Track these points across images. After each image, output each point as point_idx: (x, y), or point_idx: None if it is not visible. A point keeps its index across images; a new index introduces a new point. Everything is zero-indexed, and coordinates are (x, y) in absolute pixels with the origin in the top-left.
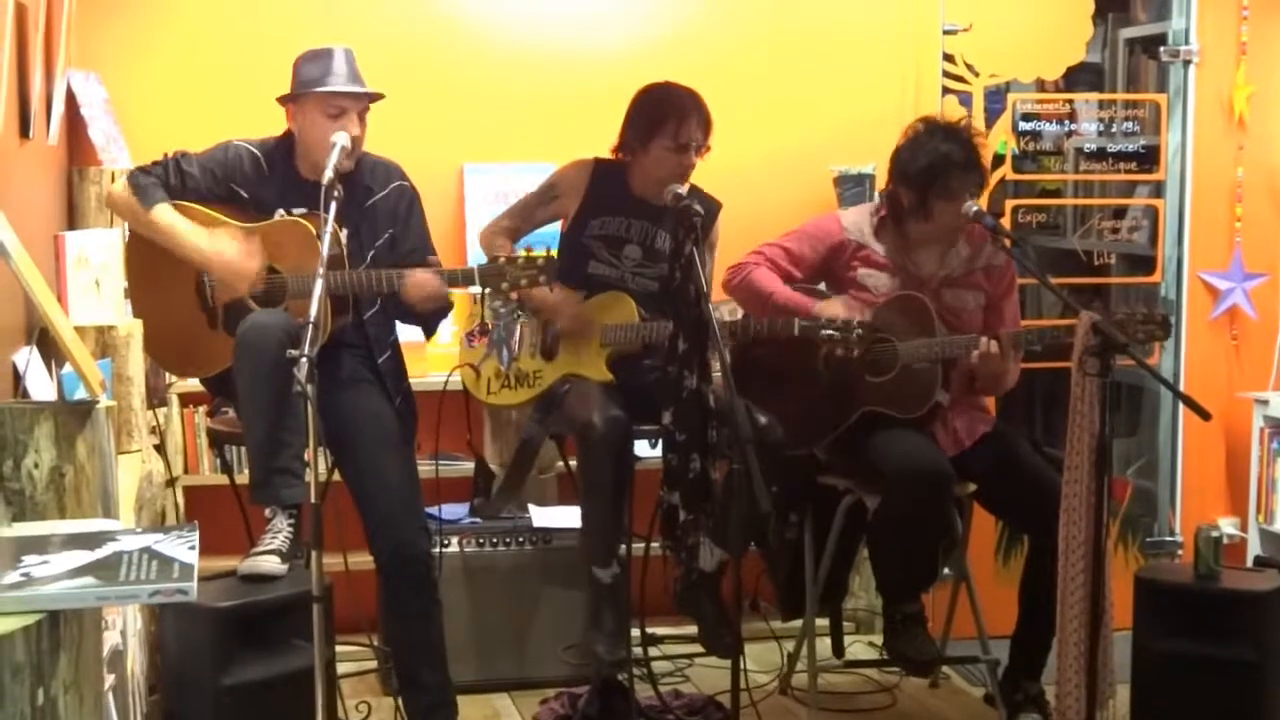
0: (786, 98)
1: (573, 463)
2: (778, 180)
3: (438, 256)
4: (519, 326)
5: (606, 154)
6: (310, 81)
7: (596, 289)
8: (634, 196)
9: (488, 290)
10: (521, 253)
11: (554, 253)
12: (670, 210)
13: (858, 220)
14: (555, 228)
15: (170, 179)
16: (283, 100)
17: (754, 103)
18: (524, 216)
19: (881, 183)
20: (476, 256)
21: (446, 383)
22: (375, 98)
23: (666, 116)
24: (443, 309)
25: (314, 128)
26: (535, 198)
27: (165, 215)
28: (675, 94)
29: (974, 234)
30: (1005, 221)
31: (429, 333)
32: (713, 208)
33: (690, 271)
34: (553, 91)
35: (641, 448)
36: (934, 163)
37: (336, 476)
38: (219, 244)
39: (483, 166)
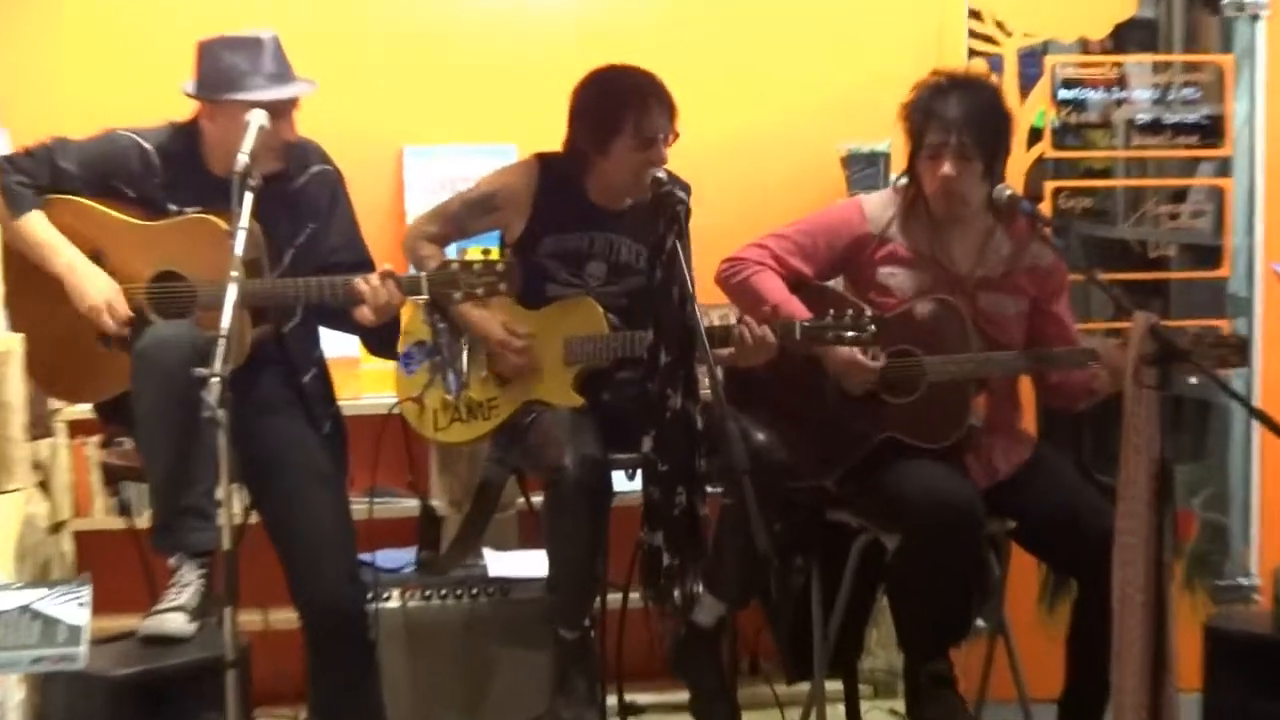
0: (784, 64)
1: (536, 498)
2: (775, 161)
3: (369, 256)
4: (465, 345)
5: (558, 144)
6: (231, 82)
7: None
8: (592, 205)
9: (432, 302)
10: (476, 254)
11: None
12: (650, 199)
13: (881, 208)
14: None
15: (43, 176)
16: (194, 95)
17: (744, 71)
18: (455, 224)
19: (899, 162)
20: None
21: (387, 419)
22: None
23: (623, 111)
24: (397, 323)
25: (232, 132)
26: (470, 207)
27: (35, 229)
28: (626, 81)
29: (1017, 228)
30: (1044, 208)
31: (385, 352)
32: (688, 192)
33: (673, 269)
34: (504, 62)
35: (618, 479)
36: (913, 111)
37: (254, 518)
38: (86, 278)
39: (425, 149)
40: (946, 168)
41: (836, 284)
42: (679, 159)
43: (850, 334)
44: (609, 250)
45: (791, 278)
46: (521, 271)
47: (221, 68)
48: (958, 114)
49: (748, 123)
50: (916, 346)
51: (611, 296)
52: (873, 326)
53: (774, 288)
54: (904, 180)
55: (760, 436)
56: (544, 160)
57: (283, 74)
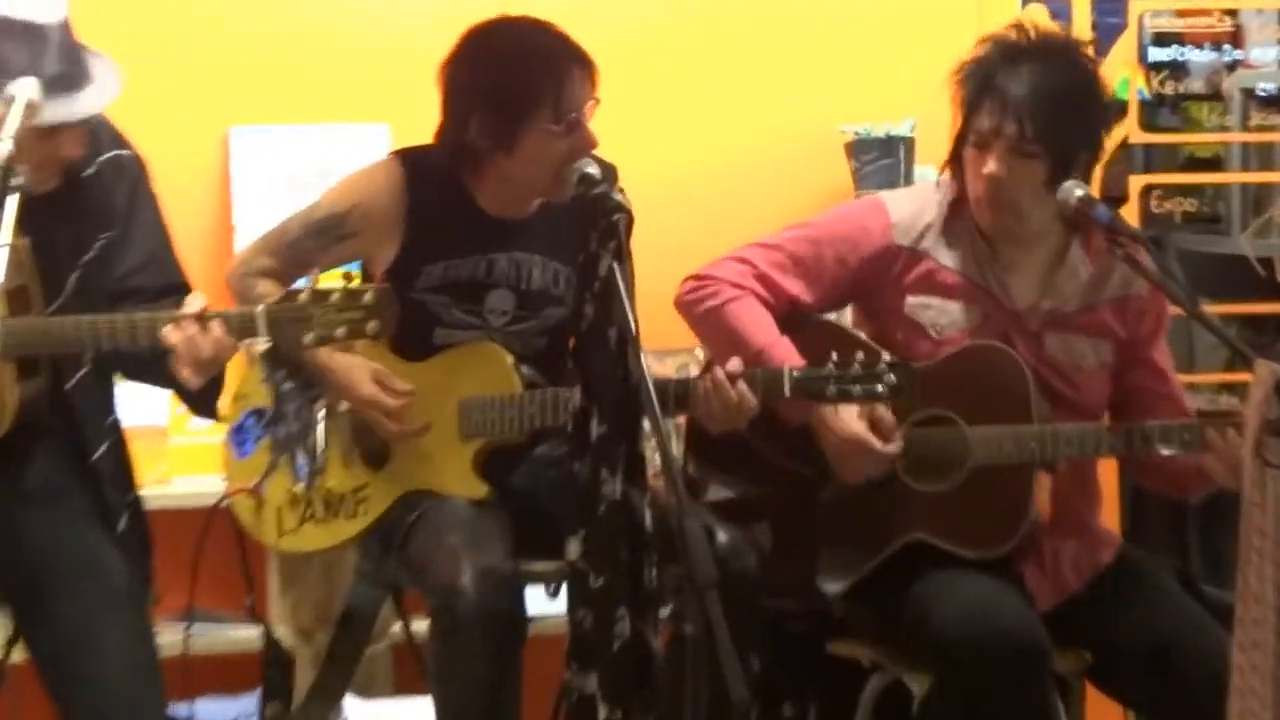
0: (771, 21)
1: (418, 626)
2: (758, 148)
3: (184, 278)
4: (321, 413)
5: (427, 126)
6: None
7: None
8: (486, 216)
9: (274, 351)
10: (336, 282)
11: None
12: (574, 203)
13: (915, 211)
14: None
15: None
16: None
17: (710, 29)
18: (296, 257)
19: (926, 150)
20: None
21: (211, 515)
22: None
23: (533, 87)
24: (221, 375)
25: None
26: (314, 231)
27: None
28: (530, 42)
29: (1098, 244)
30: (1130, 211)
31: (206, 410)
32: (610, 176)
33: (610, 304)
34: (360, 25)
35: (534, 599)
36: (967, 80)
37: (18, 653)
38: None
39: (259, 131)
40: (992, 164)
41: (843, 317)
42: (619, 143)
43: (860, 388)
44: (515, 275)
45: (783, 306)
46: (398, 309)
47: None
48: (1023, 92)
49: (718, 97)
50: (957, 411)
51: (524, 338)
52: (894, 378)
53: (758, 321)
54: (947, 175)
55: (723, 537)
56: (410, 160)
57: (70, 75)
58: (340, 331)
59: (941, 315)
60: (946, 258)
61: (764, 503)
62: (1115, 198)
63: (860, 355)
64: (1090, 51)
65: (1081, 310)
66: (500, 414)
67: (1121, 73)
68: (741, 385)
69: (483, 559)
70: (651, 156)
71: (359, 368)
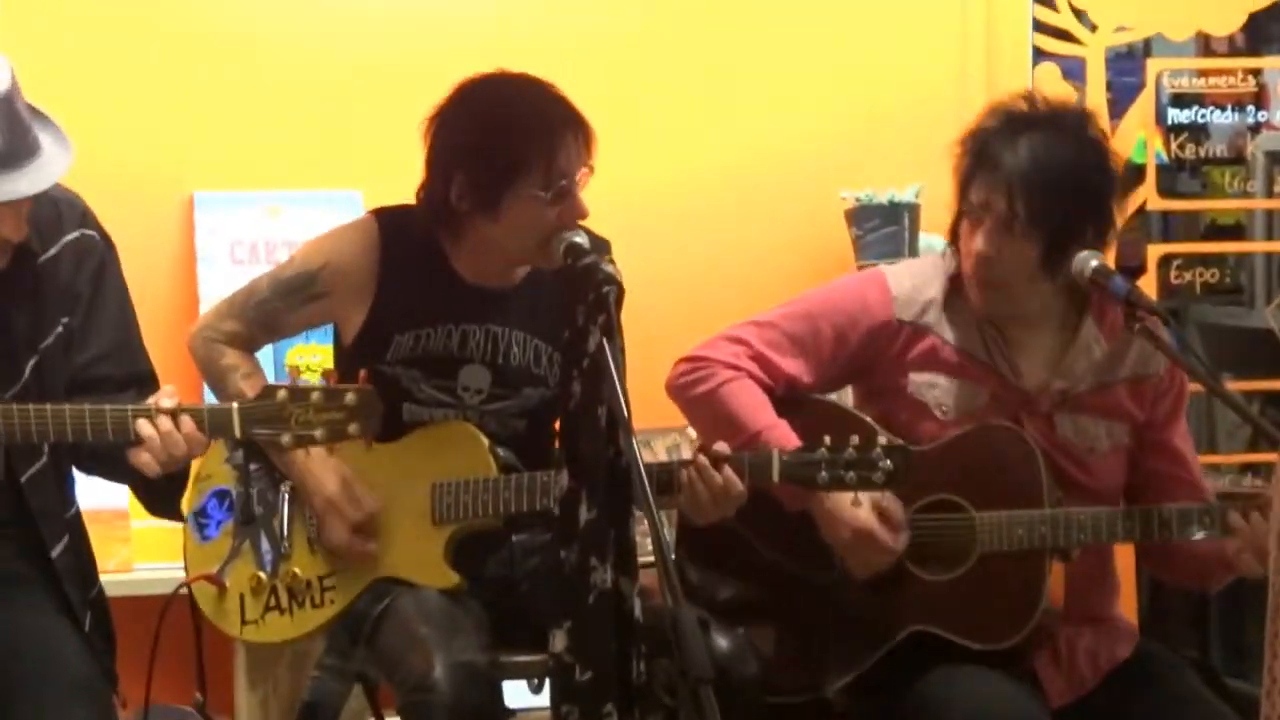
0: (764, 75)
1: None
2: (754, 215)
3: (150, 367)
4: (286, 495)
5: (403, 194)
6: None
7: None
8: (463, 284)
9: (241, 442)
10: (311, 379)
11: (364, 379)
12: (564, 275)
13: (917, 285)
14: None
15: None
16: None
17: (704, 87)
18: (263, 319)
19: (932, 217)
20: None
21: (168, 604)
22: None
23: (529, 149)
24: (186, 472)
25: None
26: (283, 291)
27: None
28: (522, 102)
29: (1113, 318)
30: (1148, 282)
31: (166, 509)
32: (602, 249)
33: (599, 383)
34: (345, 77)
35: (514, 693)
36: (965, 149)
37: None
38: None
39: (226, 198)
40: (980, 242)
41: (844, 397)
42: (609, 213)
43: (855, 475)
44: (491, 350)
45: (781, 387)
46: (381, 410)
47: None
48: (1018, 167)
49: (711, 161)
50: (964, 496)
51: (500, 418)
52: (890, 464)
53: (754, 403)
54: (950, 247)
55: (723, 643)
56: (387, 219)
57: (12, 151)
58: (319, 433)
59: (947, 395)
60: (950, 334)
61: (762, 600)
62: (1132, 268)
63: (855, 439)
64: (1103, 124)
65: (1095, 390)
66: (475, 498)
67: (1138, 134)
68: (728, 470)
69: (456, 652)
70: (639, 226)
71: (327, 469)
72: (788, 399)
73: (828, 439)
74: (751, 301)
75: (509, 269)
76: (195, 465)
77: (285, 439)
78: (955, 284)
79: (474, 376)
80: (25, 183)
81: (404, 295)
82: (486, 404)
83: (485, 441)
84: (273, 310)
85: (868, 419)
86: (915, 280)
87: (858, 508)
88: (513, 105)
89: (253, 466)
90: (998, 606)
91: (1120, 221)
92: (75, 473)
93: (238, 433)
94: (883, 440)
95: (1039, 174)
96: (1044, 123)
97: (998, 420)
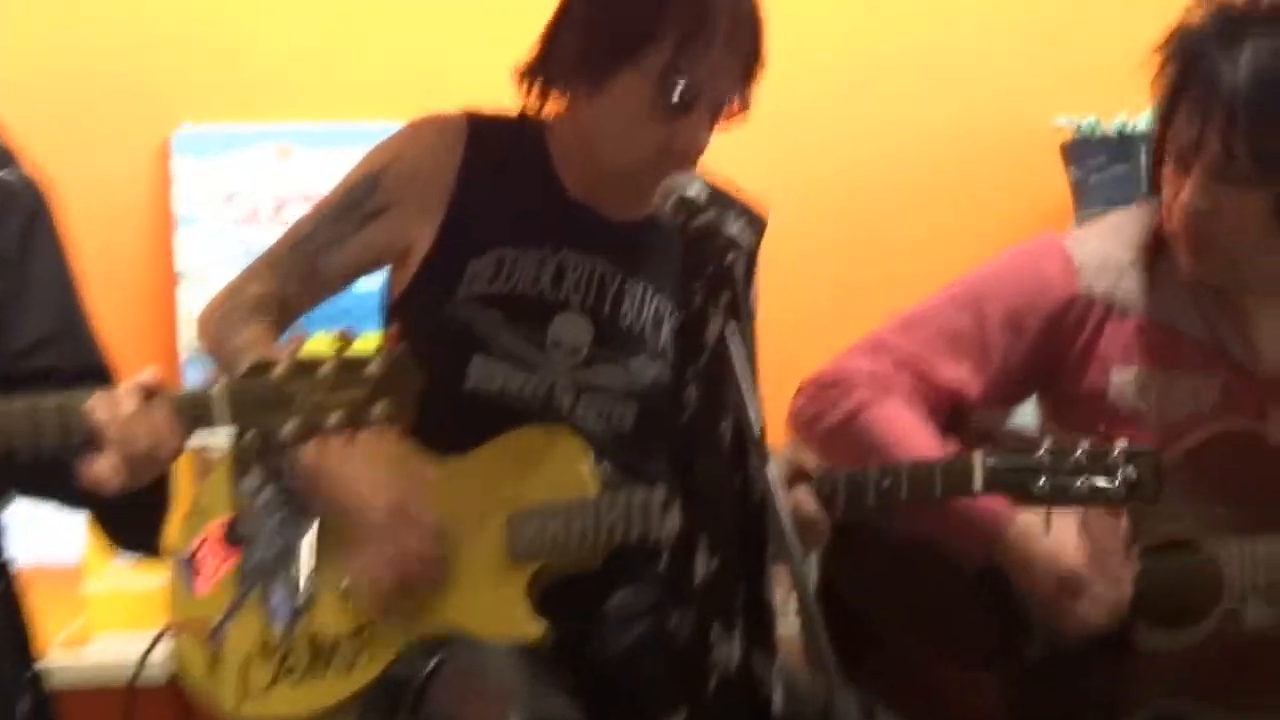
0: None
1: None
2: (934, 154)
3: (104, 360)
4: (312, 531)
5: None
6: None
7: (489, 421)
8: (569, 200)
9: (244, 445)
10: (324, 341)
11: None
12: (673, 231)
13: (1107, 249)
14: (371, 287)
15: None
16: None
17: None
18: (302, 268)
19: None
20: (193, 377)
21: (137, 675)
22: None
23: (665, 19)
24: (164, 493)
25: None
26: (331, 216)
27: None
28: None
29: None
30: None
31: (140, 541)
32: (758, 228)
33: (722, 388)
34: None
35: None
36: (1171, 61)
37: None
38: None
39: (214, 133)
40: (1188, 193)
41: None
42: (755, 158)
43: (1085, 484)
44: (597, 295)
45: (943, 402)
46: (423, 337)
47: None
48: (1239, 87)
49: (882, 89)
50: (1202, 529)
51: (608, 395)
52: (1134, 472)
53: (910, 429)
54: (1152, 197)
55: None
56: (481, 119)
57: None
58: (334, 418)
59: (1163, 395)
60: (1160, 311)
61: (945, 676)
62: None
63: (1085, 440)
64: None
65: None
66: (566, 527)
67: None
68: (800, 494)
69: (541, 708)
70: (786, 178)
71: (376, 472)
72: (951, 421)
73: (1049, 438)
74: (928, 278)
75: (628, 192)
76: (190, 495)
77: (288, 427)
78: (1161, 243)
79: (570, 328)
80: None
81: (486, 202)
82: (582, 369)
83: (589, 455)
84: (318, 247)
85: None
86: (1105, 243)
87: (1063, 548)
88: None
89: (262, 495)
90: (1265, 674)
91: None
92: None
93: (223, 419)
94: (1122, 443)
95: (1270, 98)
96: (1273, 23)
97: (1235, 422)
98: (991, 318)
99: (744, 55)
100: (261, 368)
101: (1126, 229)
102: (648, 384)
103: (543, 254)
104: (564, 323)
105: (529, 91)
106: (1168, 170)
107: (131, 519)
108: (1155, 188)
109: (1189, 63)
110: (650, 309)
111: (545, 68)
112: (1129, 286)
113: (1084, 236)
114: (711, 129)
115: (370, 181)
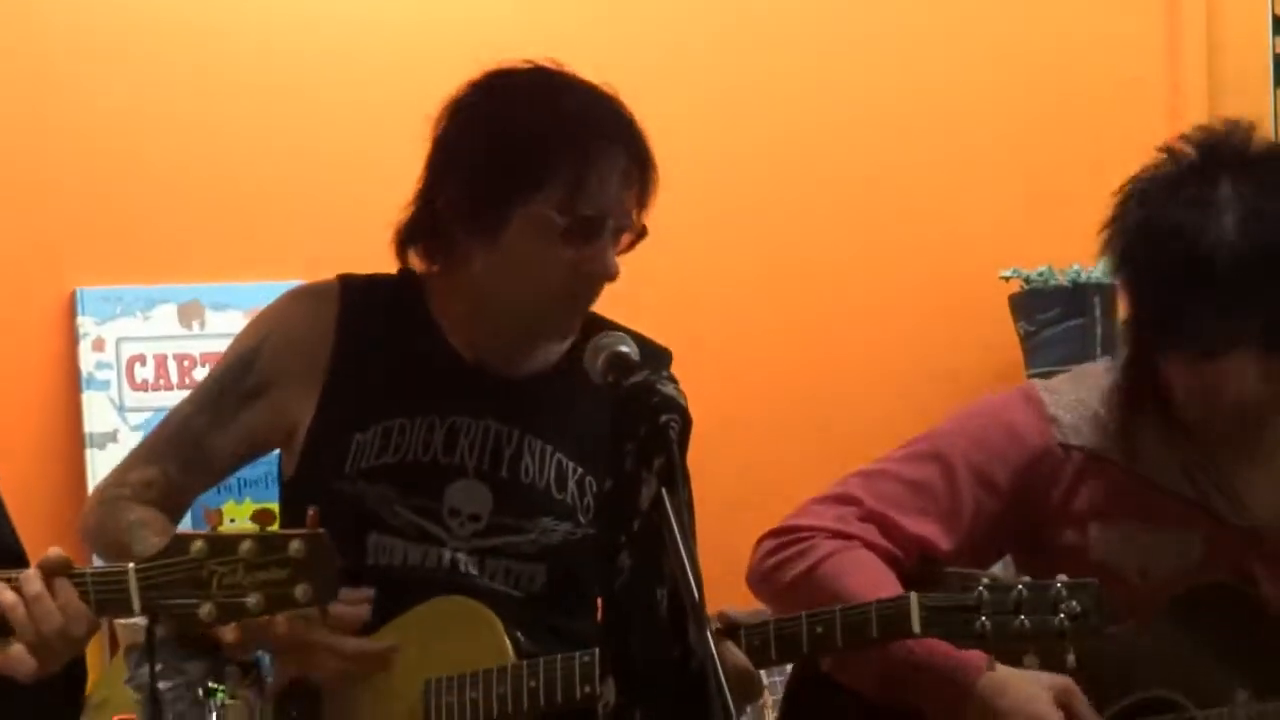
0: (894, 117)
1: None
2: (878, 308)
3: (17, 540)
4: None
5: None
6: None
7: (394, 595)
8: (457, 360)
9: (152, 636)
10: (238, 521)
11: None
12: (574, 385)
13: (1082, 399)
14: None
15: None
16: None
17: (802, 135)
18: (185, 454)
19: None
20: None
21: None
22: None
23: (554, 153)
24: (81, 677)
25: None
26: (210, 398)
27: None
28: (569, 98)
29: None
30: None
31: None
32: (659, 361)
33: (656, 555)
34: (268, 148)
35: None
36: (1155, 248)
37: None
38: None
39: (116, 292)
40: (1246, 385)
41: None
42: (673, 301)
43: (1027, 621)
44: (493, 458)
45: (911, 559)
46: (339, 565)
47: None
48: (1242, 249)
49: (824, 239)
50: (1178, 689)
51: (506, 565)
52: (1077, 604)
53: (875, 581)
54: (1120, 365)
55: None
56: (354, 284)
57: None
58: (253, 600)
59: (1147, 551)
60: (1139, 464)
61: None
62: None
63: (1024, 577)
64: None
65: None
66: (485, 693)
67: None
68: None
69: None
70: (713, 329)
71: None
72: (920, 576)
73: (986, 578)
74: (875, 438)
75: (522, 345)
76: (92, 678)
77: (204, 610)
78: (1133, 392)
79: (467, 496)
80: None
81: (366, 372)
82: (484, 537)
83: (497, 620)
84: (197, 430)
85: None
86: (1080, 393)
87: (1032, 697)
88: (544, 98)
89: (164, 685)
90: None
91: None
92: None
93: (136, 604)
94: (1062, 576)
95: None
96: (1252, 162)
97: (1218, 576)
98: (961, 474)
99: (641, 182)
100: (178, 545)
101: (1101, 380)
102: (557, 543)
103: (431, 420)
104: (460, 490)
105: (408, 257)
106: (1178, 364)
107: (45, 712)
108: (1137, 367)
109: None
110: (551, 467)
111: (428, 231)
112: (1108, 440)
113: (1058, 387)
114: (617, 252)
115: (245, 361)
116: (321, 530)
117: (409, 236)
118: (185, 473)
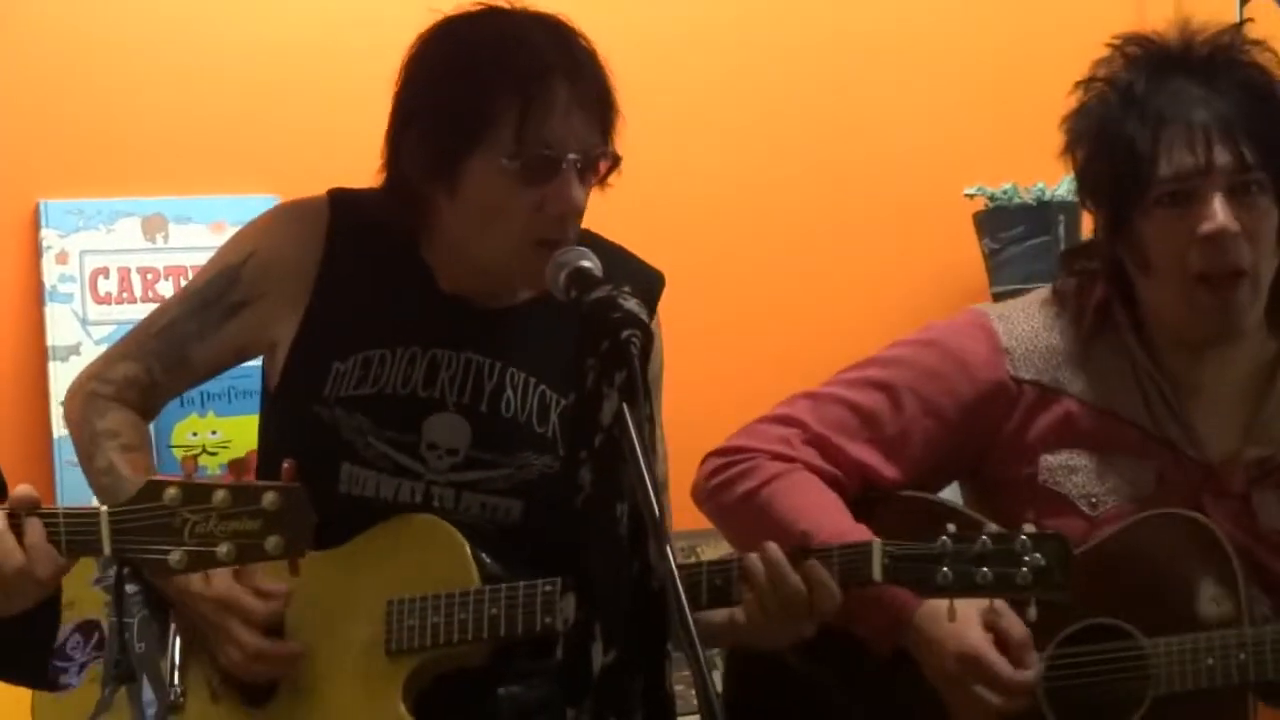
0: (859, 35)
1: None
2: (839, 225)
3: None
4: (176, 631)
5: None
6: None
7: (365, 525)
8: (438, 293)
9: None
10: (199, 435)
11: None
12: (559, 313)
13: (1035, 329)
14: (243, 376)
15: None
16: None
17: (773, 61)
18: (167, 354)
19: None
20: (68, 455)
21: None
22: None
23: (497, 96)
24: (54, 615)
25: None
26: (196, 305)
27: None
28: (514, 34)
29: None
30: None
31: (25, 671)
32: (652, 288)
33: (615, 472)
34: (237, 56)
35: None
36: (1105, 136)
37: None
38: None
39: (80, 205)
40: (1219, 215)
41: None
42: (646, 225)
43: (990, 573)
44: (473, 391)
45: (854, 483)
46: (288, 441)
47: None
48: (1215, 111)
49: (782, 154)
50: (1127, 617)
51: (484, 498)
52: (1042, 558)
53: (817, 505)
54: (1075, 278)
55: None
56: (344, 200)
57: None
58: (224, 549)
59: (1096, 480)
60: (1094, 393)
61: None
62: None
63: (991, 526)
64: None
65: None
66: (446, 618)
67: None
68: (816, 567)
69: None
70: (678, 245)
71: (219, 588)
72: (863, 499)
73: (951, 526)
74: (830, 356)
75: (509, 278)
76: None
77: (174, 558)
78: (1099, 319)
79: (446, 429)
80: None
81: (350, 299)
82: (462, 471)
83: (465, 544)
84: (182, 335)
85: (981, 518)
86: (1033, 321)
87: (965, 627)
88: (485, 42)
89: (130, 589)
90: None
91: None
92: None
93: (106, 548)
94: (1029, 528)
95: (1247, 106)
96: (1200, 54)
97: (1170, 508)
98: (907, 403)
99: (595, 107)
100: (151, 491)
101: (1057, 305)
102: (534, 478)
103: (412, 351)
104: (439, 423)
105: (400, 204)
106: (1155, 222)
107: (14, 650)
108: (1106, 266)
109: (1139, 111)
110: (535, 398)
111: (399, 189)
112: (1062, 371)
113: (1012, 315)
114: (586, 187)
115: (230, 274)
116: (296, 484)
117: (392, 199)
118: (168, 374)
